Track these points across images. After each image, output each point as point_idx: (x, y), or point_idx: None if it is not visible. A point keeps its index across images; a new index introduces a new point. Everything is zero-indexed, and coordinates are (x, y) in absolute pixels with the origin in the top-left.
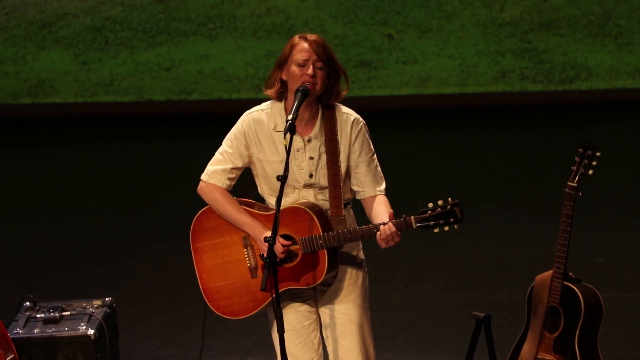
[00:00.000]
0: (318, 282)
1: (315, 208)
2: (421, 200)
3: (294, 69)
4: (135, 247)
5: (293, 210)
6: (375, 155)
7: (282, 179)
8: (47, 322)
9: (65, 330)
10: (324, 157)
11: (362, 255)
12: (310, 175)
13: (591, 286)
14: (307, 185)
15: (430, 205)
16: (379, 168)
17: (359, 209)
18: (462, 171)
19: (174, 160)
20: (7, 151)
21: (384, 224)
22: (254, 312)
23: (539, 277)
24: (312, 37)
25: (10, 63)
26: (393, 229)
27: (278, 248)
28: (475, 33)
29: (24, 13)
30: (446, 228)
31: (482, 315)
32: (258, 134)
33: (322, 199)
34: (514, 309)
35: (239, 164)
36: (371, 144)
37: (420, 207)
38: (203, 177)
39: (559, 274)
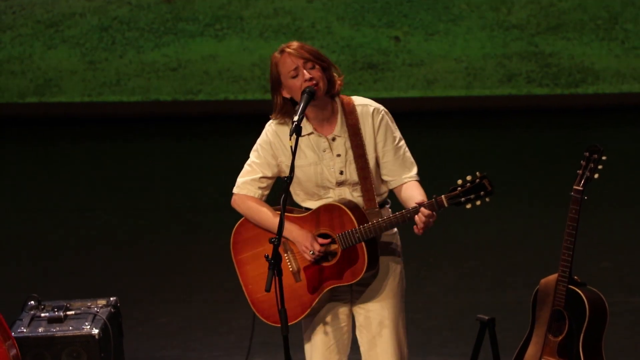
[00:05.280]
0: (360, 277)
1: (349, 204)
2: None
3: (291, 82)
4: (140, 247)
5: (327, 208)
6: (402, 142)
7: (288, 179)
8: (51, 321)
9: (69, 330)
10: (350, 152)
11: (399, 251)
12: (341, 172)
13: (596, 290)
14: (340, 183)
15: (460, 182)
16: (407, 154)
17: (396, 201)
18: (467, 174)
19: (179, 161)
20: (13, 150)
21: (416, 211)
22: (303, 316)
23: (543, 280)
24: (290, 46)
25: (17, 62)
26: (423, 216)
27: (315, 248)
28: (481, 36)
29: (31, 12)
30: (478, 202)
31: (487, 318)
32: (283, 142)
33: (358, 195)
34: (519, 311)
35: (268, 174)
36: (396, 130)
37: (450, 185)
38: (235, 190)
39: (564, 277)
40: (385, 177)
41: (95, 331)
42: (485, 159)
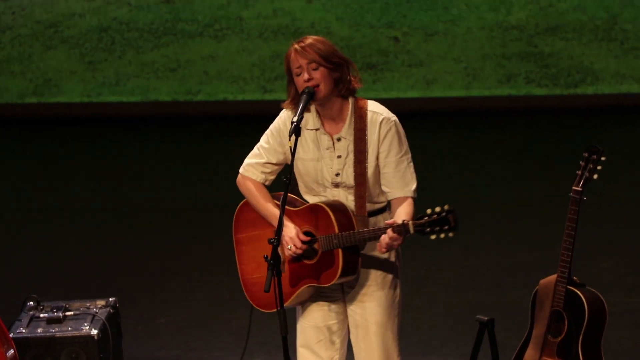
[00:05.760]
0: (333, 282)
1: (338, 208)
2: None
3: (296, 78)
4: (139, 248)
5: (315, 208)
6: (407, 155)
7: (287, 180)
8: (50, 321)
9: (68, 330)
10: (351, 156)
11: (394, 260)
12: (337, 174)
13: (595, 291)
14: (336, 185)
15: (429, 211)
16: (410, 169)
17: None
18: (467, 174)
19: (178, 161)
20: (13, 150)
21: (385, 230)
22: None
23: (543, 281)
24: (302, 42)
25: (17, 62)
26: (387, 237)
27: (296, 243)
28: (481, 36)
29: (30, 12)
30: (442, 235)
31: (486, 318)
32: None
33: (352, 200)
34: (518, 312)
35: (273, 160)
36: (404, 144)
37: (420, 212)
38: (240, 169)
39: (563, 278)
40: (383, 188)
41: (94, 332)
42: (484, 160)
